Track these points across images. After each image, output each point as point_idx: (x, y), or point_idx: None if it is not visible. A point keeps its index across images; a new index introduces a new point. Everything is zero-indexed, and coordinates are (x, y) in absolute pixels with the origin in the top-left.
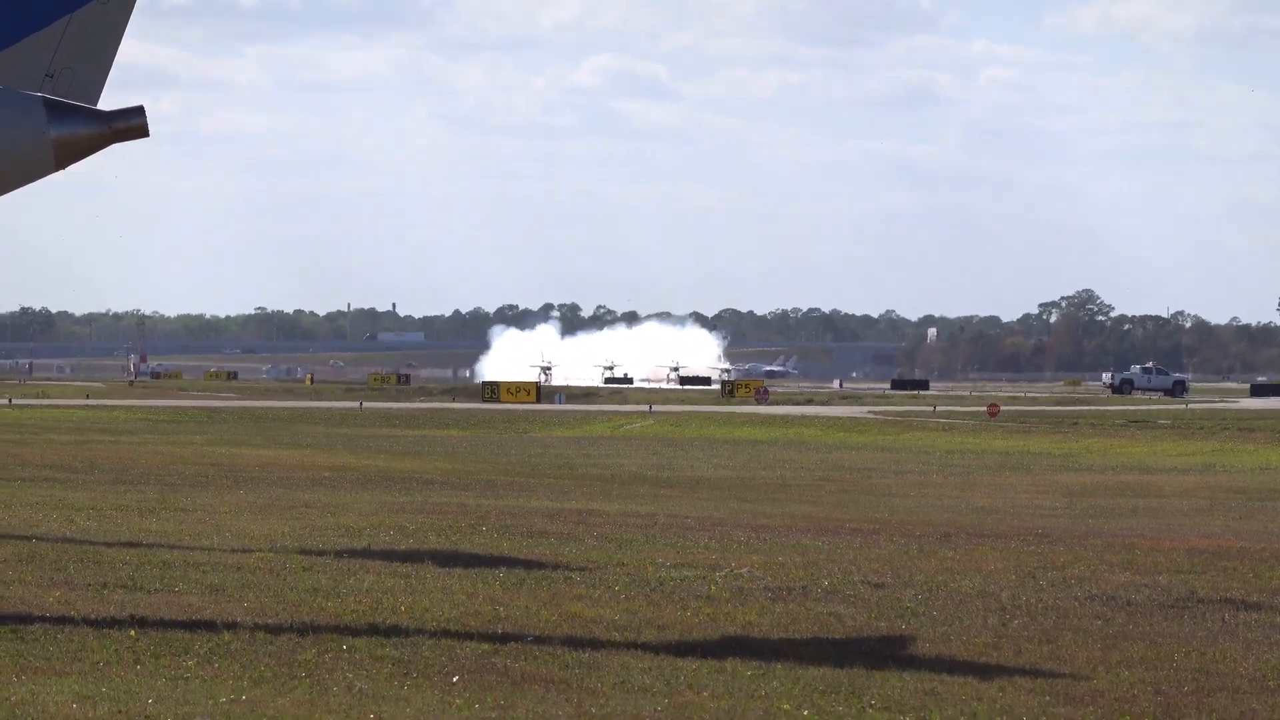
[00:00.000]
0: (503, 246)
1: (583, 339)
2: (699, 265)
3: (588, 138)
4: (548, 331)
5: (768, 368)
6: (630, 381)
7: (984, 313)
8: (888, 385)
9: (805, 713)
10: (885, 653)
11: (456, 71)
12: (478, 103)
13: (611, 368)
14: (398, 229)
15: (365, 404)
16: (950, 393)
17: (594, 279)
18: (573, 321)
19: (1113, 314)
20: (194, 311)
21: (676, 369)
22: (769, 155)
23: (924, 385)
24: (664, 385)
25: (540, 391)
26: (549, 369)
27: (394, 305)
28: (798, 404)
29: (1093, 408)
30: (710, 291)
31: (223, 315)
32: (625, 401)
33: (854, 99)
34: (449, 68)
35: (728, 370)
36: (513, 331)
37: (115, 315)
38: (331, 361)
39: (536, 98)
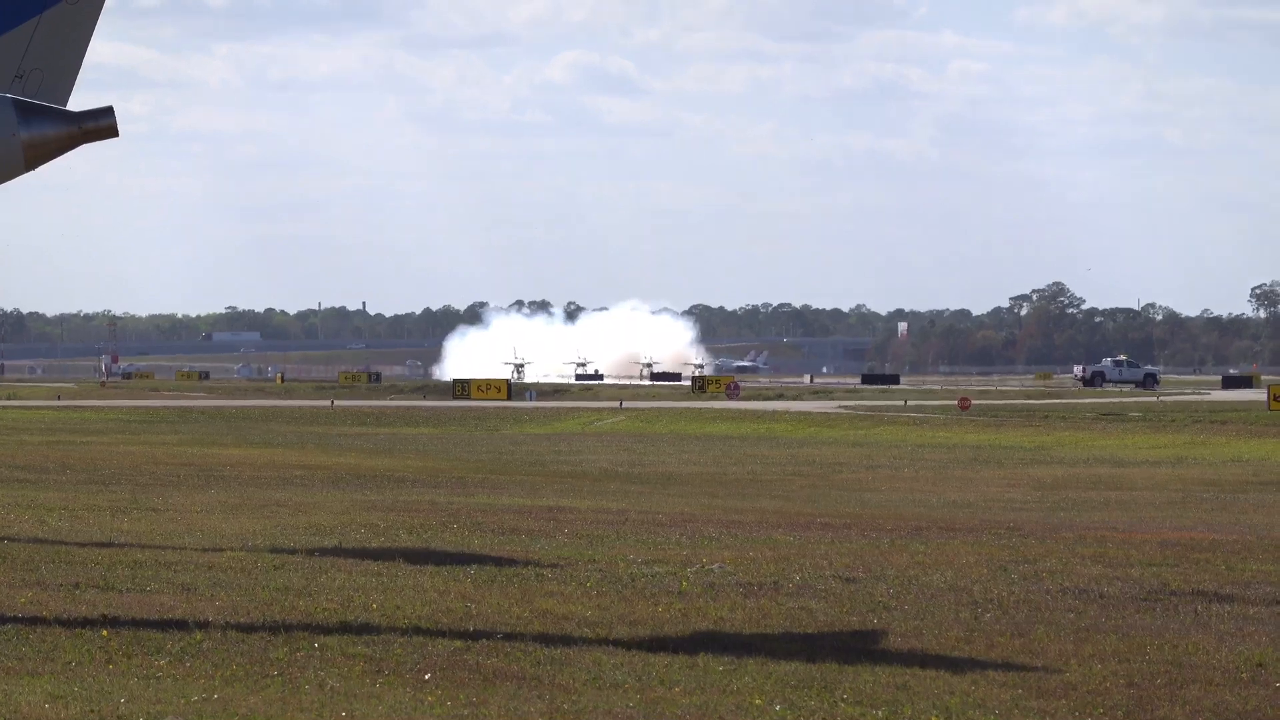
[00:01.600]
0: (474, 244)
1: (553, 329)
2: (670, 261)
3: (559, 134)
4: (511, 326)
5: (738, 363)
6: (601, 378)
7: (955, 306)
8: (858, 380)
9: (777, 707)
10: (857, 647)
11: (427, 69)
12: (449, 100)
13: (584, 364)
14: (369, 227)
15: (336, 402)
16: (921, 387)
17: (565, 276)
18: (543, 319)
19: (1083, 307)
20: (165, 311)
21: (650, 365)
22: (740, 150)
23: (895, 380)
24: (638, 381)
25: (511, 389)
26: (522, 366)
27: (364, 304)
28: (768, 399)
29: (1064, 401)
30: (681, 287)
31: (194, 314)
32: (596, 398)
33: (825, 93)
34: (420, 65)
35: (701, 365)
36: (473, 329)
37: (86, 316)
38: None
39: (507, 95)
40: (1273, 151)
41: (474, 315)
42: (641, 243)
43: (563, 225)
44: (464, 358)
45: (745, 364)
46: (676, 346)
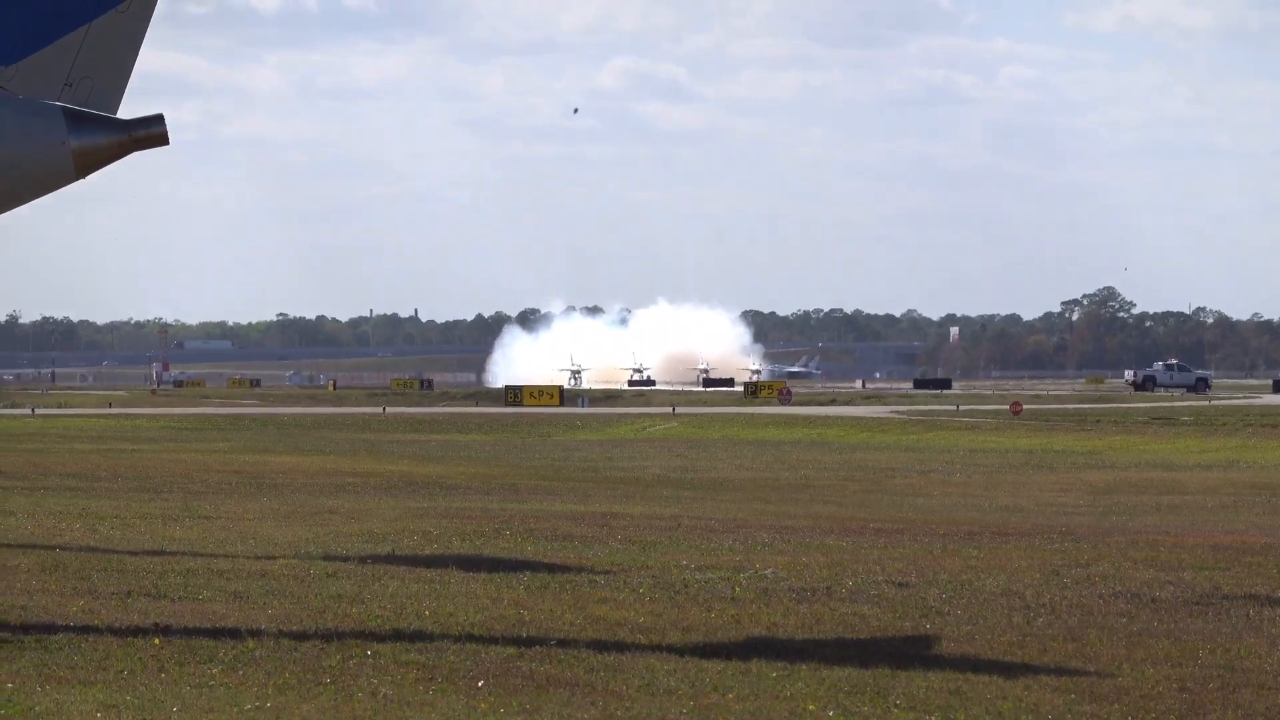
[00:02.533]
0: (525, 250)
1: (606, 332)
2: (720, 267)
3: (609, 140)
4: (564, 330)
5: (791, 368)
6: (653, 384)
7: (1005, 311)
8: (910, 384)
9: (830, 713)
10: (910, 652)
11: (477, 75)
12: (498, 106)
13: (640, 369)
14: (420, 234)
15: (388, 409)
16: (973, 391)
17: (616, 283)
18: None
19: (1134, 311)
20: (215, 319)
21: (706, 370)
22: (790, 156)
23: (946, 384)
24: (691, 387)
25: (563, 395)
26: (579, 372)
27: (415, 310)
28: (821, 404)
29: (1115, 405)
30: (732, 293)
31: (245, 322)
32: (649, 404)
33: (875, 99)
34: (470, 71)
35: (759, 371)
36: (523, 334)
37: (137, 324)
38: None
39: (557, 101)
40: None
41: (525, 321)
42: (692, 248)
43: (613, 231)
44: (517, 363)
45: (798, 369)
46: (729, 349)
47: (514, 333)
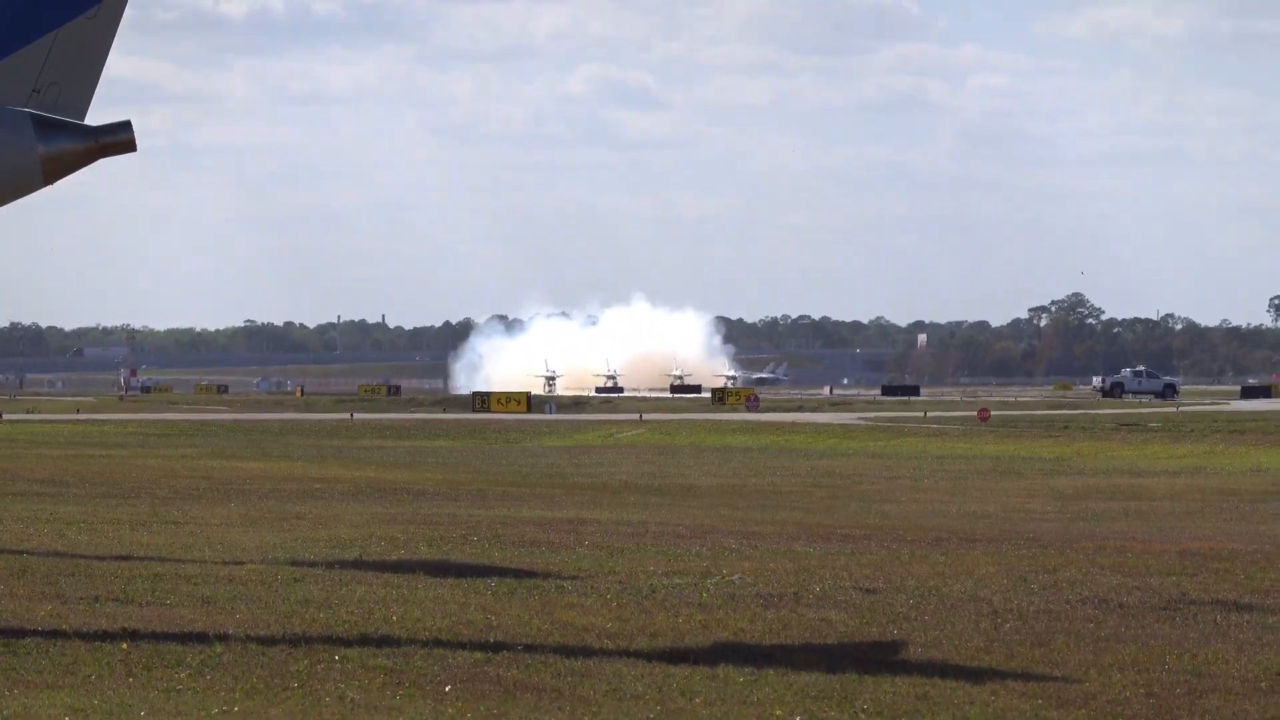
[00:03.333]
0: (494, 257)
1: (577, 334)
2: (689, 273)
3: (579, 147)
4: (536, 333)
5: (758, 375)
6: (620, 390)
7: (974, 318)
8: (878, 391)
9: (798, 718)
10: (877, 658)
11: (447, 82)
12: (469, 113)
13: (614, 376)
14: (389, 241)
15: (355, 415)
16: (941, 398)
17: (585, 289)
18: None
19: (1103, 317)
20: (183, 325)
21: (681, 377)
22: (760, 163)
23: (914, 391)
24: (658, 394)
25: (531, 401)
26: (554, 378)
27: (383, 317)
28: (788, 411)
29: (1083, 411)
30: (701, 299)
31: (212, 329)
32: (616, 410)
33: (845, 106)
34: (440, 78)
35: (734, 377)
36: (491, 339)
37: (105, 329)
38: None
39: (528, 108)
40: None
41: (494, 327)
42: (661, 255)
43: (583, 238)
44: (488, 367)
45: (766, 375)
46: (699, 354)
47: (482, 338)
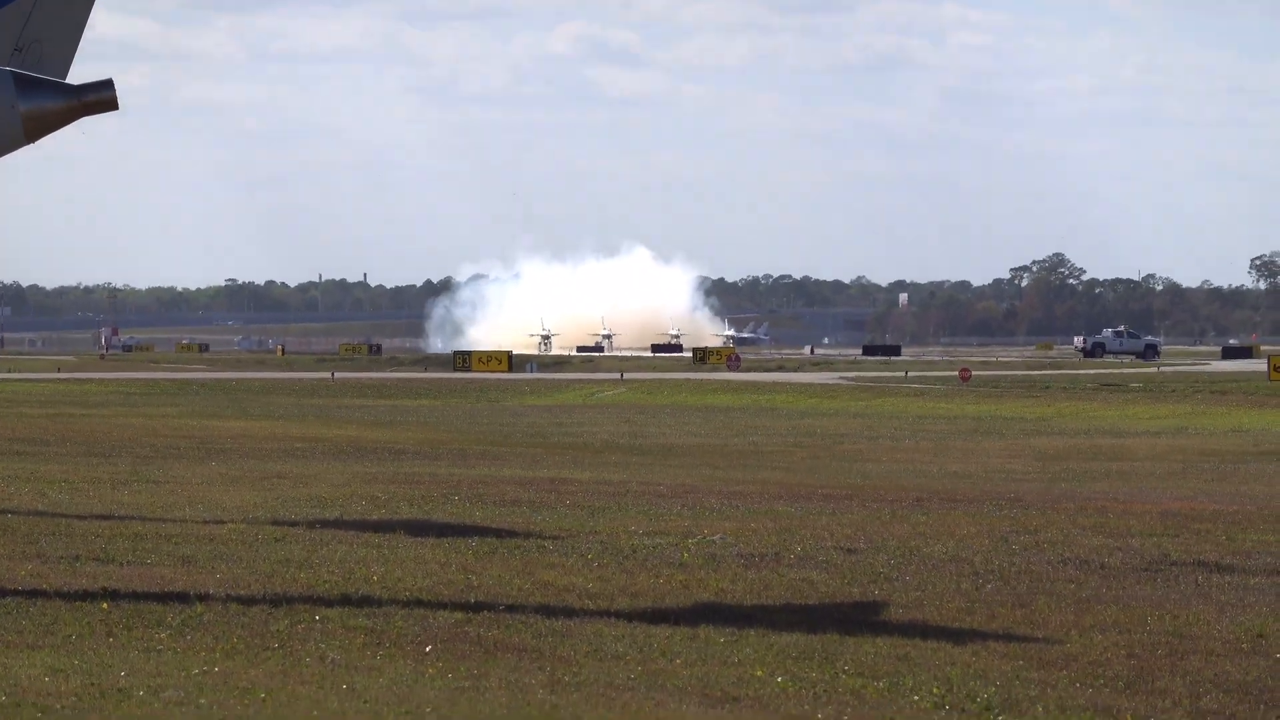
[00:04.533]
0: (475, 217)
1: (561, 285)
2: (671, 233)
3: (561, 106)
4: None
5: (740, 334)
6: (601, 349)
7: (955, 277)
8: (859, 351)
9: (778, 679)
10: (858, 618)
11: (429, 40)
12: (450, 72)
13: (609, 336)
14: (370, 199)
15: (336, 374)
16: (922, 358)
17: (565, 248)
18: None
19: (1084, 278)
20: (165, 284)
21: (678, 335)
22: (741, 122)
23: (895, 351)
24: (648, 354)
25: (512, 360)
26: (549, 337)
27: (365, 275)
28: (769, 371)
29: (1064, 371)
30: (681, 259)
31: (193, 288)
32: (597, 369)
33: (826, 65)
34: (422, 36)
35: (731, 337)
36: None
37: (86, 288)
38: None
39: (509, 66)
40: (1273, 123)
41: (483, 288)
42: (643, 214)
43: (564, 198)
44: (477, 326)
45: (748, 335)
46: (685, 309)
47: (465, 294)
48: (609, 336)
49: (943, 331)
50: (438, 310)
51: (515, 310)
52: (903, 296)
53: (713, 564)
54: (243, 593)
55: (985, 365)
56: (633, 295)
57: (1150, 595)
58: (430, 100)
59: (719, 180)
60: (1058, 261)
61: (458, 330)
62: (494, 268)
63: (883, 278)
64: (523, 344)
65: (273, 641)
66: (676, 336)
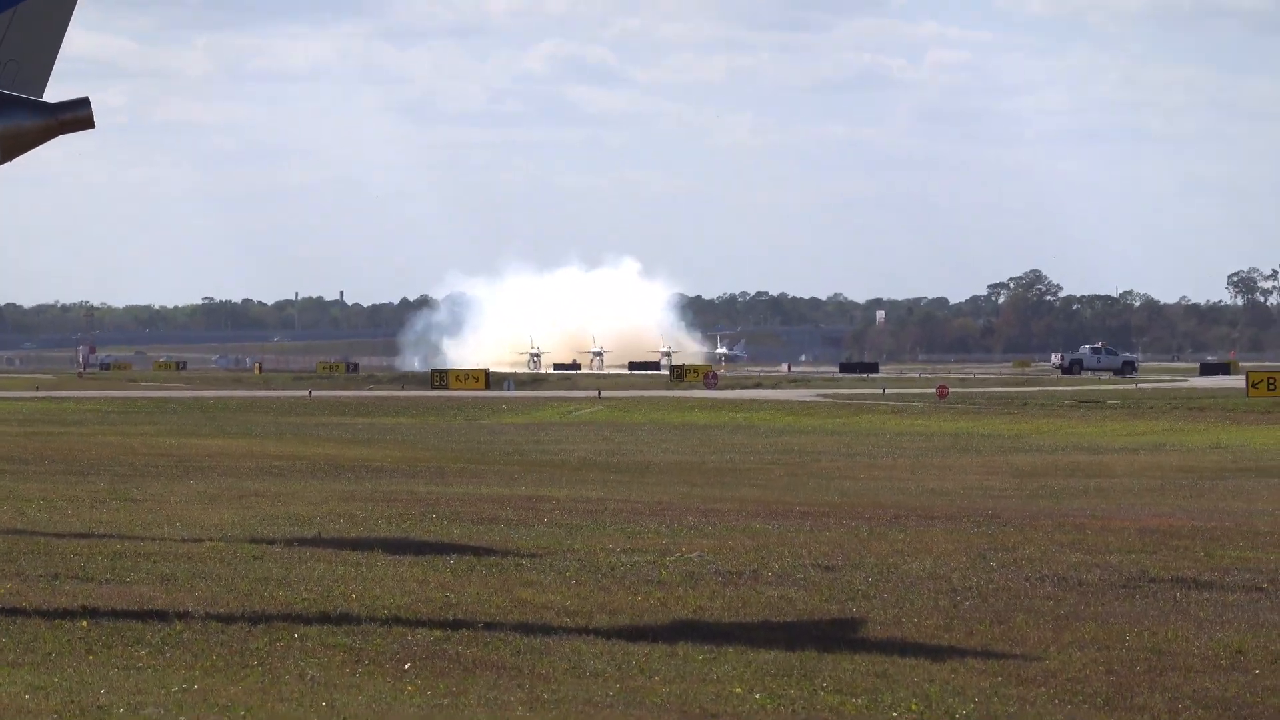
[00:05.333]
0: (452, 234)
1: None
2: (647, 250)
3: (538, 124)
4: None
5: (733, 351)
6: (578, 367)
7: (932, 294)
8: (836, 368)
9: (757, 696)
10: (837, 635)
11: (406, 59)
12: (427, 90)
13: (600, 353)
14: (347, 218)
15: (314, 392)
16: (899, 375)
17: (545, 265)
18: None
19: (1061, 294)
20: (142, 302)
21: (669, 353)
22: (718, 140)
23: (873, 368)
24: (624, 371)
25: (489, 378)
26: (538, 355)
27: (341, 294)
28: (747, 388)
29: (1042, 388)
30: (658, 276)
31: (171, 306)
32: (575, 387)
33: (803, 83)
34: (398, 55)
35: (723, 355)
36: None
37: (64, 307)
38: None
39: (486, 85)
40: (1251, 139)
41: (460, 307)
42: (620, 232)
43: (542, 216)
44: (462, 346)
45: (726, 352)
46: (666, 327)
47: (445, 311)
48: (600, 354)
49: (920, 348)
50: (416, 327)
51: (494, 327)
52: (880, 313)
53: (691, 581)
54: (222, 611)
55: (963, 382)
56: (612, 313)
57: (1129, 612)
58: (407, 118)
59: (695, 198)
60: (1035, 278)
61: (434, 349)
62: (471, 285)
63: (860, 295)
64: (506, 361)
65: (252, 659)
66: (668, 353)
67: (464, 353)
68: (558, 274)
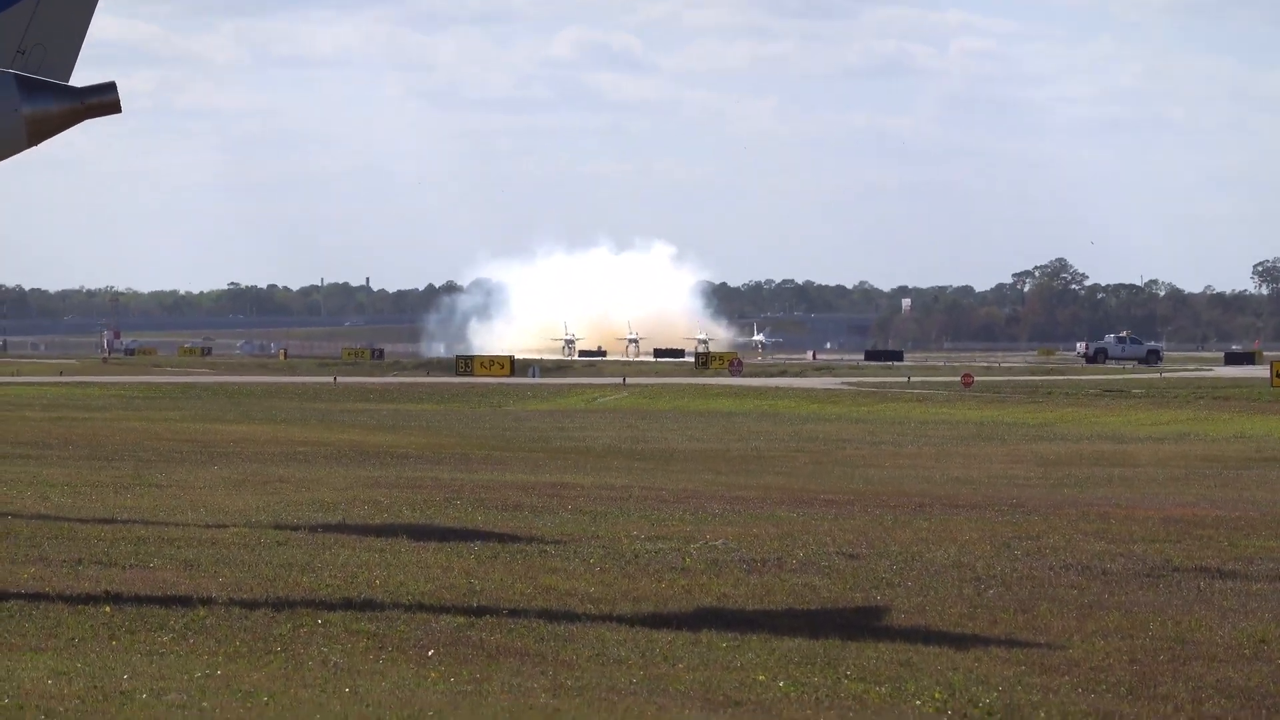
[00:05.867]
0: (477, 221)
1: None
2: (672, 237)
3: (562, 111)
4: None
5: (771, 339)
6: (604, 354)
7: (958, 282)
8: (862, 356)
9: (781, 684)
10: (860, 623)
11: (431, 45)
12: (452, 77)
13: (636, 340)
14: (373, 204)
15: (339, 379)
16: (924, 363)
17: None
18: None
19: (1086, 283)
20: (167, 288)
21: (706, 341)
22: (743, 127)
23: (898, 356)
24: (649, 358)
25: (514, 365)
26: (573, 341)
27: (367, 279)
28: (771, 376)
29: (1067, 377)
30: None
31: (196, 291)
32: (599, 374)
33: (828, 70)
34: (423, 41)
35: (763, 343)
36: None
37: (89, 292)
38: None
39: (511, 71)
40: (1274, 129)
41: (486, 292)
42: (644, 220)
43: (566, 202)
44: (491, 332)
45: (768, 340)
46: (692, 314)
47: (468, 297)
48: (635, 340)
49: (945, 337)
50: (442, 313)
51: (521, 313)
52: (905, 301)
53: (715, 569)
54: (245, 596)
55: (988, 371)
56: (638, 300)
57: (1152, 601)
58: (432, 104)
59: (720, 185)
60: (1060, 267)
61: (460, 335)
62: (497, 270)
63: (885, 283)
64: (536, 348)
65: (275, 645)
66: (705, 341)
67: (489, 340)
68: (585, 259)
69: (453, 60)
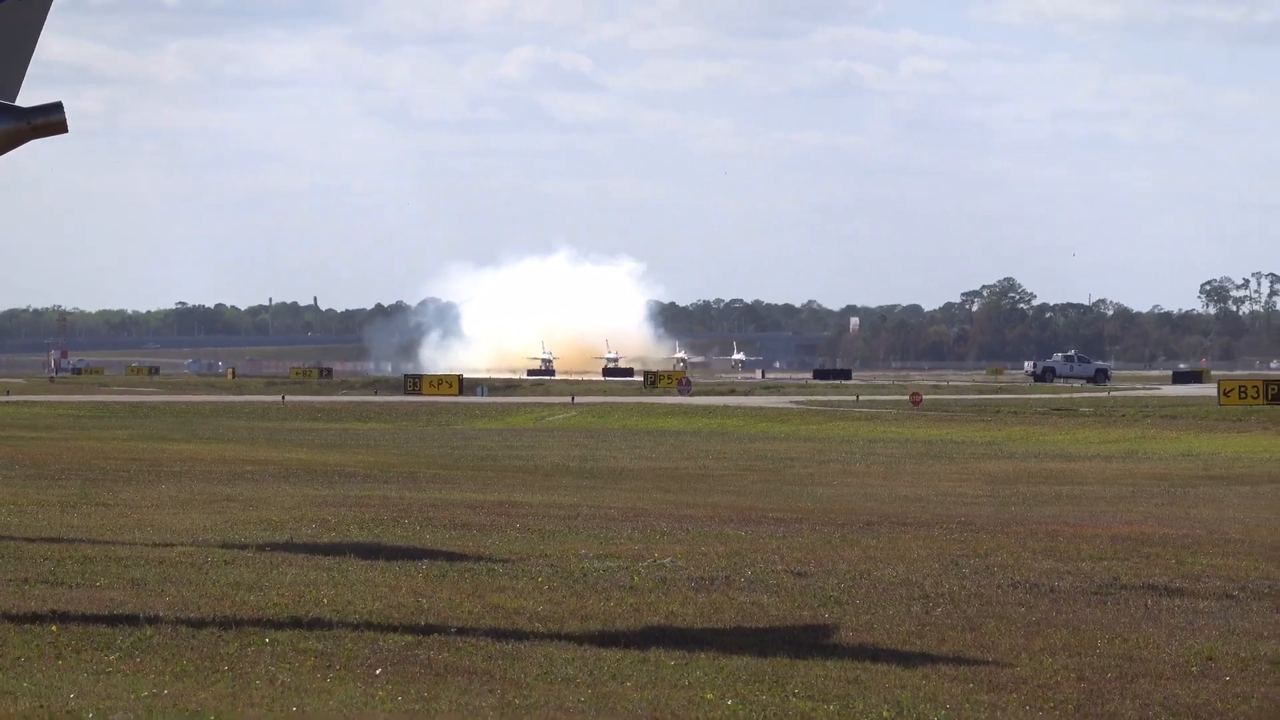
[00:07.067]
0: (428, 241)
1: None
2: (623, 256)
3: (515, 131)
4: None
5: (749, 359)
6: (552, 373)
7: (906, 301)
8: (810, 375)
9: (729, 702)
10: (809, 641)
11: (383, 65)
12: (404, 97)
13: (615, 359)
14: (321, 223)
15: (287, 398)
16: (873, 382)
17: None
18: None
19: (1034, 302)
20: (115, 307)
21: (684, 360)
22: (696, 147)
23: (846, 375)
24: (598, 377)
25: (463, 384)
26: (550, 361)
27: (315, 299)
28: (720, 395)
29: (1015, 396)
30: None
31: (144, 310)
32: (548, 393)
33: (780, 90)
34: (376, 61)
35: (740, 361)
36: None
37: (35, 311)
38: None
39: (463, 91)
40: (1224, 149)
41: (425, 311)
42: (596, 239)
43: (518, 222)
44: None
45: (745, 359)
46: (637, 332)
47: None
48: (614, 359)
49: (894, 355)
50: (390, 334)
51: (473, 332)
52: (854, 320)
53: (663, 587)
54: (192, 615)
55: (936, 389)
56: (591, 318)
57: (1100, 619)
58: (383, 124)
59: (672, 204)
60: (1008, 286)
61: (408, 354)
62: (446, 290)
63: (834, 302)
64: (485, 366)
65: (223, 664)
66: (684, 361)
67: (440, 358)
68: (538, 276)
69: (405, 80)
